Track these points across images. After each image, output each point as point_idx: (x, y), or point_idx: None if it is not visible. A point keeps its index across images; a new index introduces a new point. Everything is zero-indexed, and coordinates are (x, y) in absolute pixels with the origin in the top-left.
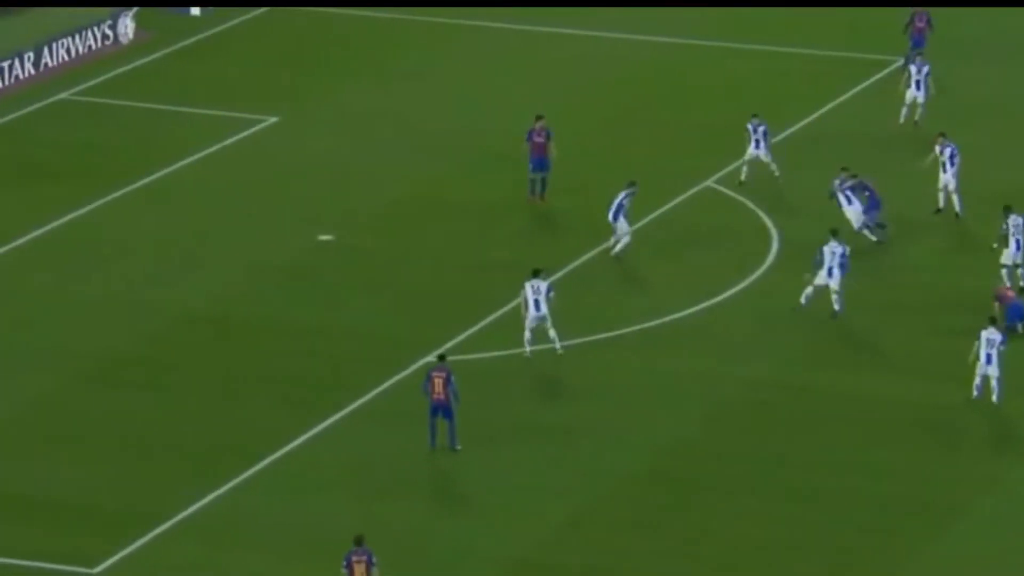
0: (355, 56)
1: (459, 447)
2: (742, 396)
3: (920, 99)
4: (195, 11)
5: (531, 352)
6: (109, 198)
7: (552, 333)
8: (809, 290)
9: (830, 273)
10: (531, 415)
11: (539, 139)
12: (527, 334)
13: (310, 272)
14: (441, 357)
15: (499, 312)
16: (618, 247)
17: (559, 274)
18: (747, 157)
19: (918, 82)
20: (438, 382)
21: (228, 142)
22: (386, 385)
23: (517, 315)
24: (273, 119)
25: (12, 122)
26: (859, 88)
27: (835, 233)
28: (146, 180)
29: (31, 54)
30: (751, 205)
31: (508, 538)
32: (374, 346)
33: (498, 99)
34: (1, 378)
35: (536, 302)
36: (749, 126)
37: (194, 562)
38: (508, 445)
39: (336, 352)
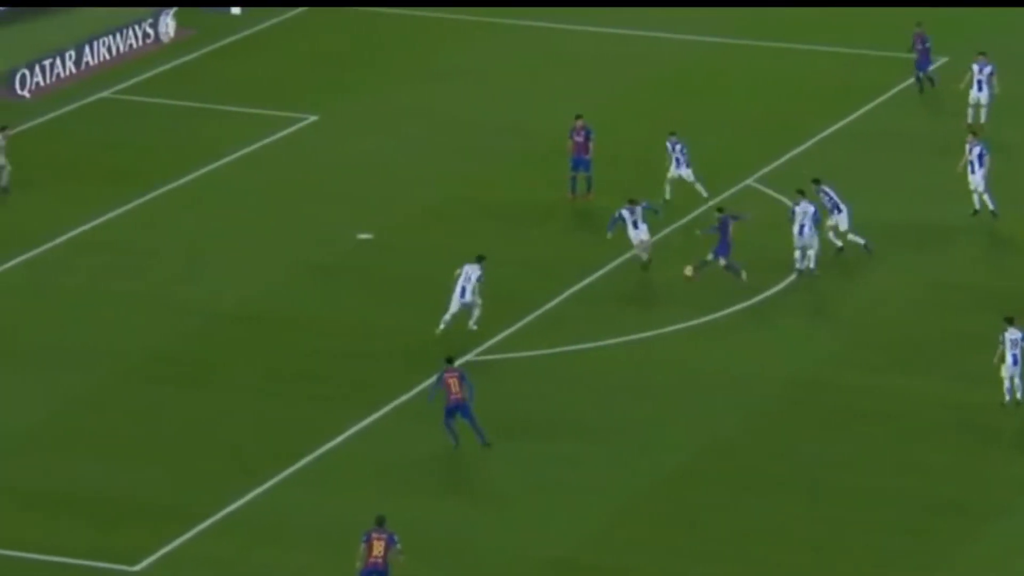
0: (394, 55)
1: (490, 441)
2: (780, 395)
3: (984, 100)
4: (235, 10)
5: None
6: (149, 196)
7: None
8: (797, 254)
9: (801, 232)
10: (571, 414)
11: (578, 138)
12: (447, 316)
13: (349, 271)
14: (449, 360)
15: (539, 311)
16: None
17: (599, 272)
18: (669, 176)
19: (980, 82)
20: (453, 382)
21: (267, 141)
22: (425, 384)
23: (557, 314)
24: (312, 118)
25: (53, 120)
26: (901, 87)
27: (803, 193)
28: (186, 178)
29: (72, 52)
30: (790, 204)
31: (547, 537)
32: (413, 345)
33: (537, 98)
34: (42, 376)
35: (464, 289)
36: (668, 144)
37: (234, 559)
38: (547, 444)
39: (375, 351)
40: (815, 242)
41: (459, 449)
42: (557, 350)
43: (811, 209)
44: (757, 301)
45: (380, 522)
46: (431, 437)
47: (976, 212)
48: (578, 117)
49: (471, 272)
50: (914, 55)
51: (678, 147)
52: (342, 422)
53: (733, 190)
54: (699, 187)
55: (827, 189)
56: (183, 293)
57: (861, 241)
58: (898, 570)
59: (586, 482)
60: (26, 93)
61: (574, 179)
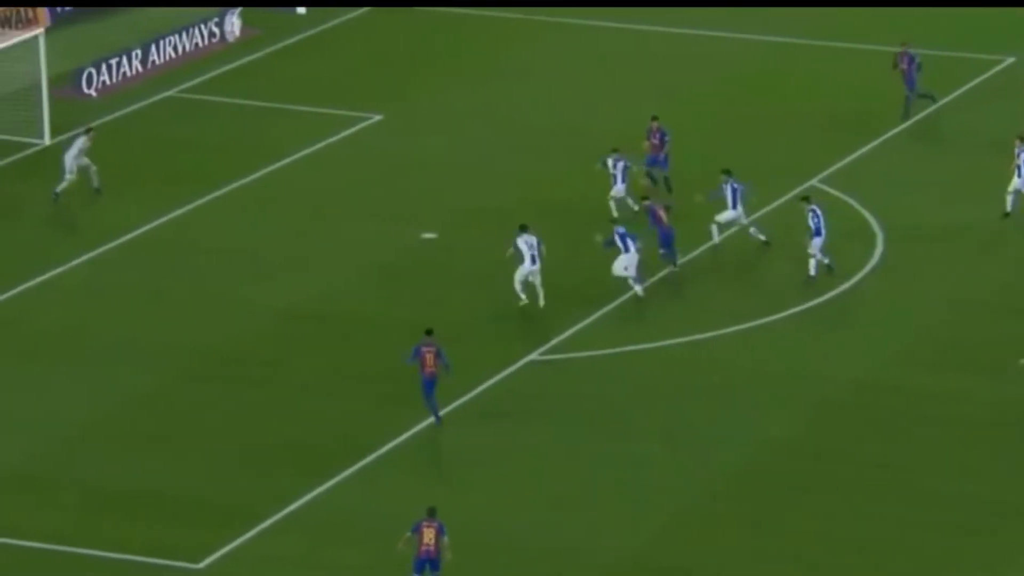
0: (459, 54)
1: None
2: (845, 396)
3: None
4: (300, 10)
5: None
6: (215, 195)
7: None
8: (816, 259)
9: (817, 234)
10: (632, 414)
11: (654, 140)
12: (518, 285)
13: (413, 270)
14: (428, 332)
15: (600, 311)
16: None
17: (660, 273)
18: (612, 194)
19: None
20: (429, 357)
21: (332, 140)
22: (488, 383)
23: (621, 314)
24: (377, 117)
25: (119, 119)
26: (967, 87)
27: (807, 199)
28: (251, 177)
29: (138, 52)
30: (856, 205)
31: (611, 537)
32: (476, 344)
33: (600, 98)
34: (106, 374)
35: (532, 257)
36: (609, 160)
37: (296, 557)
38: (612, 443)
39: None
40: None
41: (440, 427)
42: (619, 350)
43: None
44: (818, 303)
45: (431, 512)
46: (494, 436)
47: (1007, 215)
48: (654, 118)
49: (530, 240)
50: (901, 72)
51: (620, 164)
52: (404, 422)
53: (797, 190)
54: (636, 207)
55: (817, 210)
56: (247, 292)
57: (827, 261)
58: (964, 572)
59: (647, 482)
60: (93, 92)
61: (650, 174)
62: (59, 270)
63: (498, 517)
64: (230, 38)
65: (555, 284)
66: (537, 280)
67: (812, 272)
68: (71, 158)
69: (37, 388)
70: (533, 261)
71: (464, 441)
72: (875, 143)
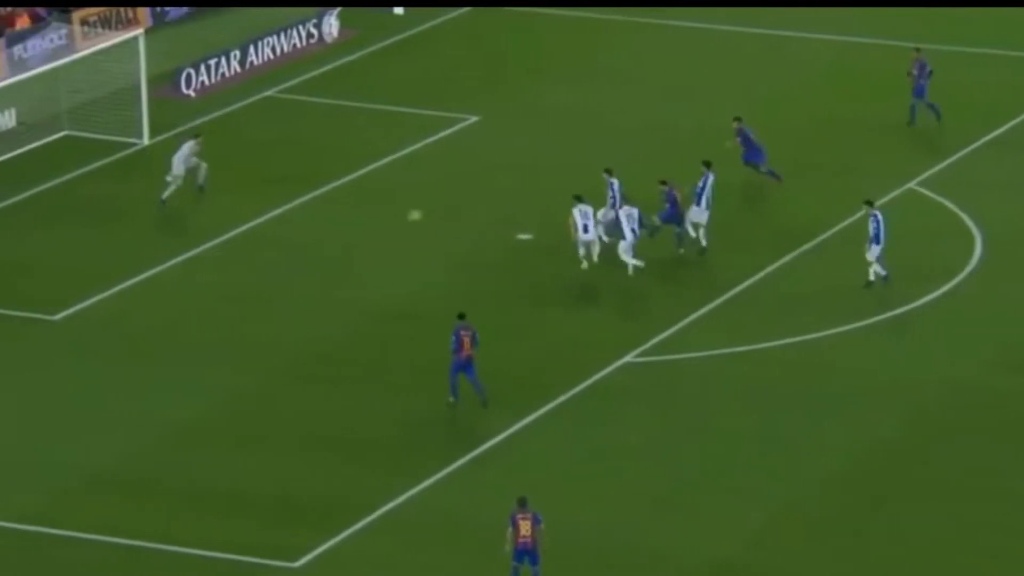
0: (556, 55)
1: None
2: (942, 399)
3: None
4: (398, 10)
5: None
6: (312, 195)
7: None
8: (874, 267)
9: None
10: (731, 415)
11: (737, 141)
12: (582, 250)
13: (509, 271)
14: (461, 316)
15: (698, 313)
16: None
17: (761, 273)
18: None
19: None
20: (467, 340)
21: (429, 140)
22: (584, 385)
23: (718, 316)
24: (474, 118)
25: (218, 119)
26: None
27: (871, 203)
28: (348, 178)
29: (237, 52)
30: (954, 207)
31: (706, 540)
32: (572, 345)
33: (693, 98)
34: (204, 374)
35: (585, 226)
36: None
37: (392, 558)
38: (706, 446)
39: (534, 351)
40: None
41: (457, 406)
42: (716, 352)
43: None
44: (917, 305)
45: (523, 503)
46: (589, 437)
47: None
48: (736, 119)
49: (584, 209)
50: (911, 79)
51: (613, 185)
52: (500, 423)
53: (894, 193)
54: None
55: (878, 216)
56: (343, 291)
57: (883, 272)
58: None
59: (744, 484)
60: (191, 92)
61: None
62: (157, 269)
63: (592, 518)
64: (328, 39)
65: (652, 285)
66: (595, 250)
67: (871, 278)
68: (178, 162)
69: (136, 387)
70: (586, 230)
71: (559, 442)
72: (975, 146)
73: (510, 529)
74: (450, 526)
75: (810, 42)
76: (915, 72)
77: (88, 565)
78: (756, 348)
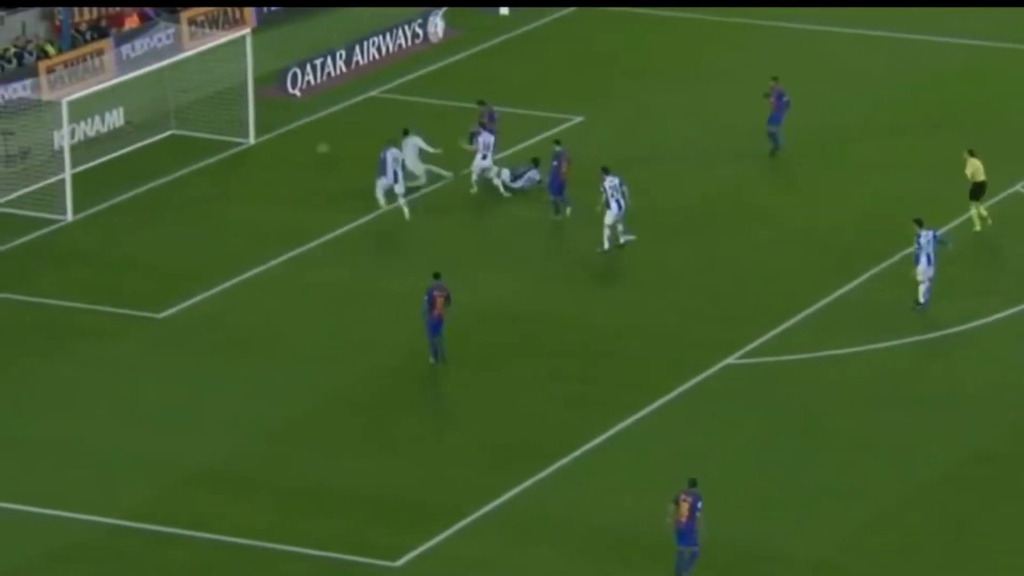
0: (660, 55)
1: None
2: None
3: None
4: (504, 11)
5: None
6: (418, 194)
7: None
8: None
9: (917, 261)
10: (832, 418)
11: (772, 99)
12: (607, 231)
13: (611, 272)
14: (436, 275)
15: (800, 315)
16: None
17: (863, 276)
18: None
19: None
20: (440, 301)
21: (533, 141)
22: (684, 387)
23: (819, 318)
24: (579, 118)
25: (324, 118)
26: None
27: (920, 223)
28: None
29: (343, 52)
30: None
31: (804, 541)
32: (673, 347)
33: (800, 98)
34: (306, 372)
35: (618, 201)
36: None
37: (492, 558)
38: (806, 448)
39: (635, 353)
40: (931, 272)
41: (438, 366)
42: (816, 354)
43: (931, 236)
44: (1017, 311)
45: (692, 483)
46: (691, 438)
47: None
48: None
49: (613, 182)
50: (770, 103)
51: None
52: (600, 424)
53: (1000, 196)
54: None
55: (926, 236)
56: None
57: (922, 299)
58: None
59: (844, 486)
60: (297, 91)
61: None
62: (261, 268)
63: None
64: (433, 39)
65: (752, 287)
66: (621, 225)
67: (921, 300)
68: (412, 162)
69: (239, 386)
70: (620, 207)
71: (662, 443)
72: None
73: (671, 506)
74: (550, 526)
75: (920, 44)
76: (772, 99)
77: (191, 563)
78: (857, 351)
